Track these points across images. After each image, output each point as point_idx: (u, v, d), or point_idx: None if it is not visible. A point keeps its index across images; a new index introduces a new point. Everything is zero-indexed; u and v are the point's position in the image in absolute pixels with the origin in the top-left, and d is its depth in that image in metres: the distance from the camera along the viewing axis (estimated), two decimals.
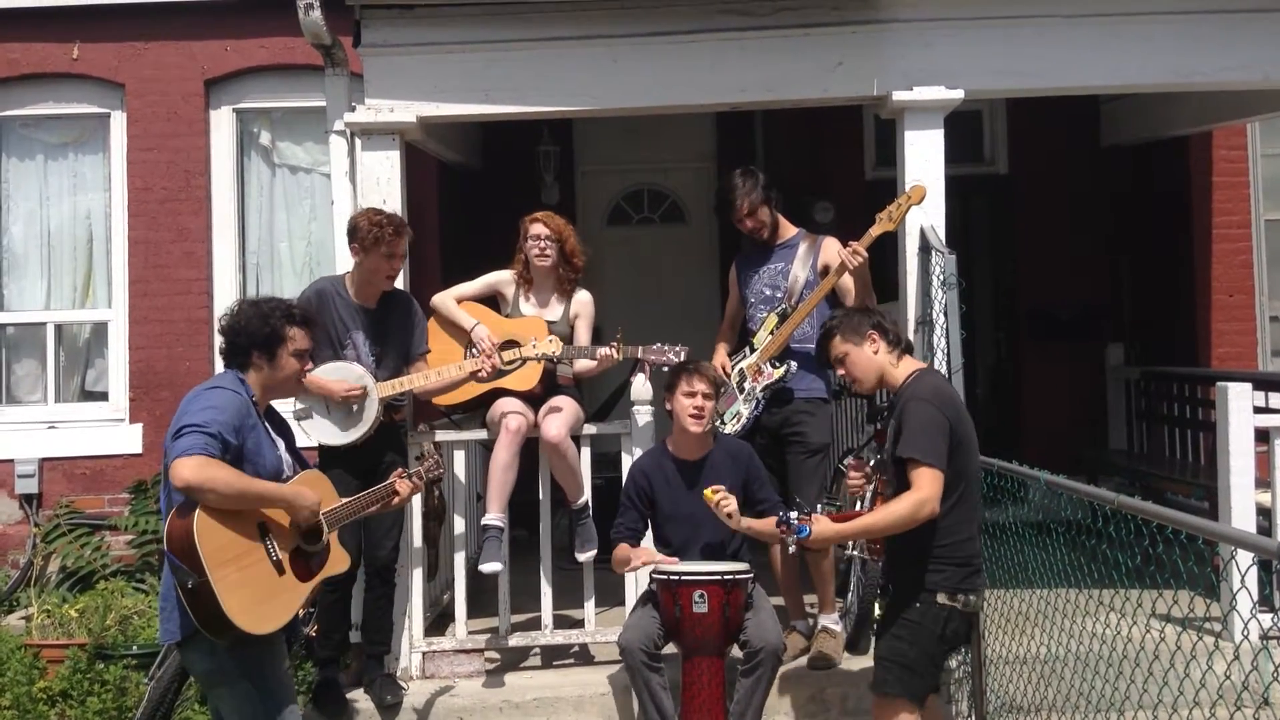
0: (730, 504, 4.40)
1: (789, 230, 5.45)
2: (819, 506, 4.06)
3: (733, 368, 5.33)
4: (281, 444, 3.71)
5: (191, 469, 3.26)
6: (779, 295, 5.30)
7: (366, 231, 4.88)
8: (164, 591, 3.53)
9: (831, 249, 5.25)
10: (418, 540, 5.42)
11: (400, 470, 4.25)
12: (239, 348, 3.62)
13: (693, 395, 4.65)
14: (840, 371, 4.13)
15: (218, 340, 3.72)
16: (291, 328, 3.65)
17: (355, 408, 4.87)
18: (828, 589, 5.31)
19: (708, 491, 4.42)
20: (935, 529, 3.77)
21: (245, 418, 3.49)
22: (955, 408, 3.89)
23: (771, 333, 5.23)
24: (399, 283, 5.37)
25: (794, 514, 3.87)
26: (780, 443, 5.24)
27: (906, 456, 3.74)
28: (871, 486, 4.30)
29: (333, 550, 3.72)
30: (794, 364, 5.18)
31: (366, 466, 4.90)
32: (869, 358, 3.99)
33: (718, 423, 5.22)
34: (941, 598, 3.80)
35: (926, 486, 3.69)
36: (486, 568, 5.16)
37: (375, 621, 5.14)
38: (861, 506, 4.37)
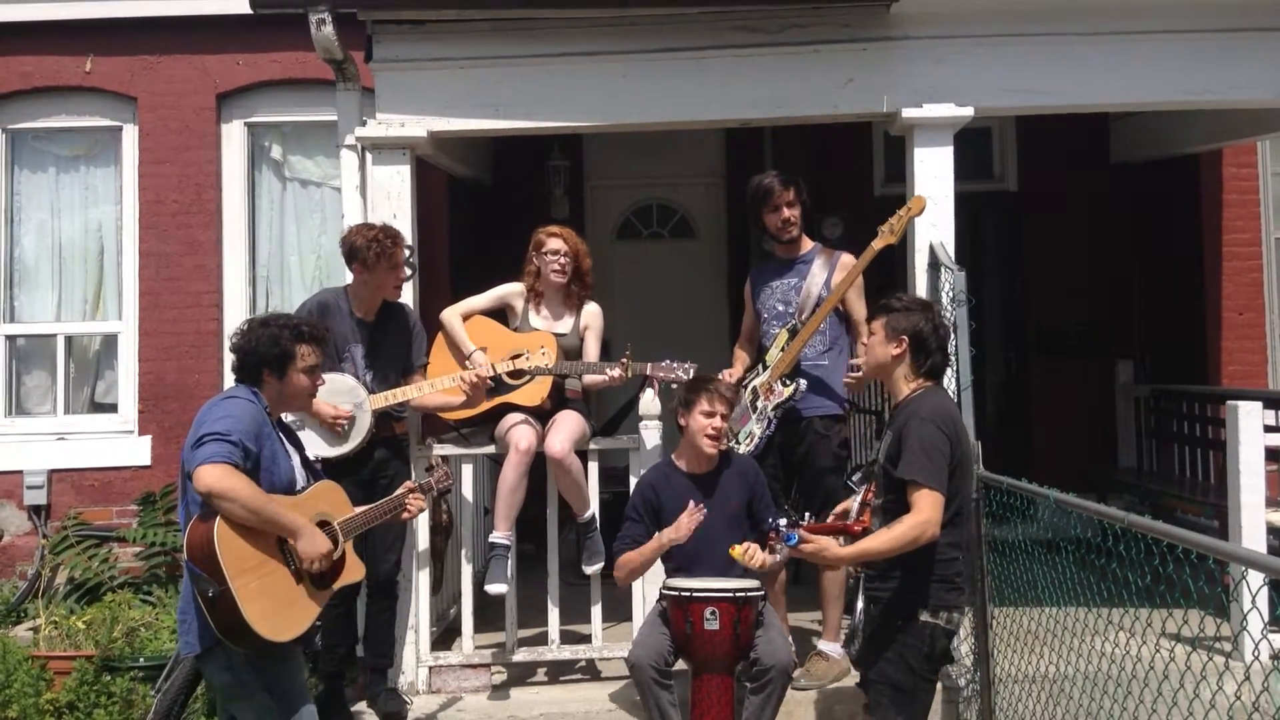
0: (756, 555, 4.34)
1: (805, 244, 5.45)
2: (807, 516, 4.06)
3: (746, 385, 5.32)
4: (295, 455, 3.74)
5: (215, 477, 3.30)
6: (790, 310, 5.30)
7: (367, 249, 4.88)
8: (182, 605, 3.56)
9: (847, 267, 5.26)
10: (425, 555, 5.42)
11: (410, 483, 4.29)
12: (250, 366, 3.67)
13: (712, 416, 4.63)
14: (863, 340, 4.15)
15: (229, 359, 3.76)
16: (301, 345, 3.71)
17: (344, 424, 4.88)
18: (833, 612, 5.29)
19: (733, 550, 4.33)
20: (926, 550, 3.74)
21: (262, 426, 3.55)
22: (956, 426, 3.87)
23: (782, 349, 5.22)
24: (407, 293, 5.39)
25: (783, 521, 3.87)
26: (791, 466, 5.25)
27: (908, 479, 3.71)
28: (859, 497, 4.21)
29: (348, 559, 3.76)
30: (803, 382, 5.16)
31: (369, 478, 4.91)
32: (885, 354, 3.95)
33: (732, 442, 5.21)
34: (924, 616, 3.79)
35: (928, 509, 3.66)
36: (492, 589, 5.16)
37: (378, 634, 5.14)
38: (849, 518, 4.29)
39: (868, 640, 3.95)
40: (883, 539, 3.72)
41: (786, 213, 5.30)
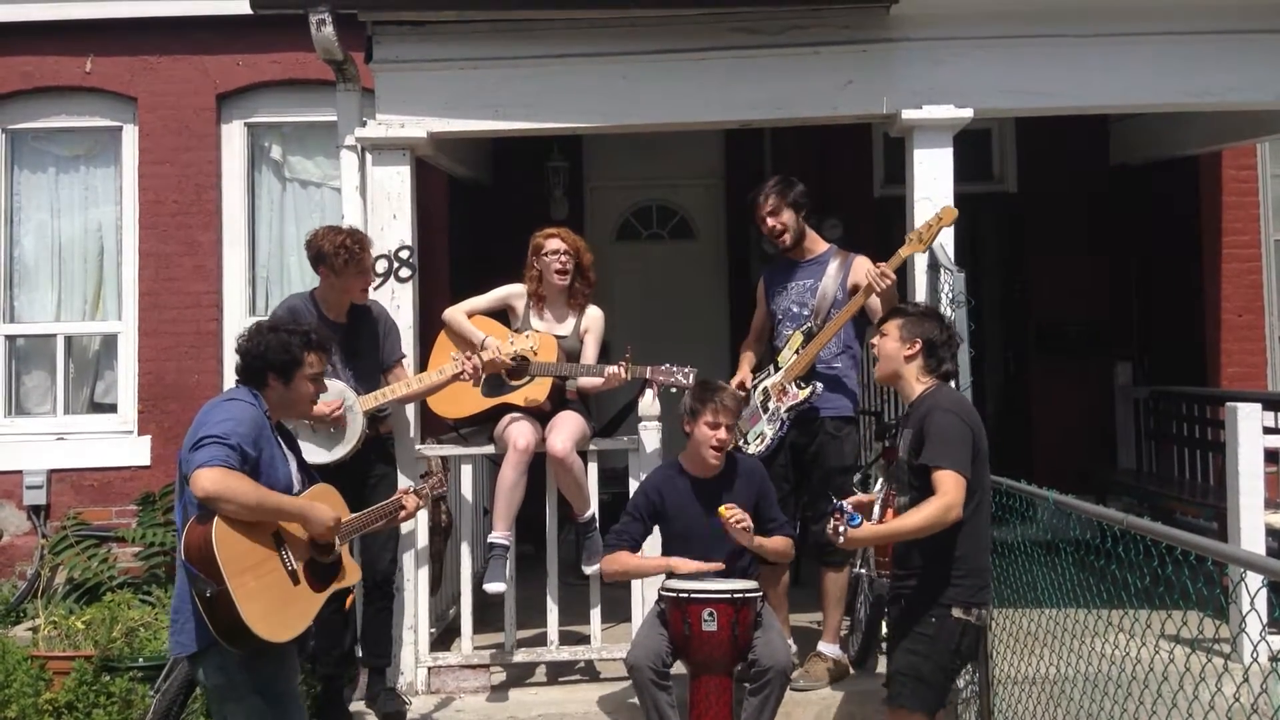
0: (746, 521, 4.44)
1: (819, 246, 5.43)
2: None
3: (756, 386, 5.31)
4: (292, 459, 3.74)
5: (212, 480, 3.30)
6: (806, 313, 5.28)
7: (334, 255, 4.87)
8: (176, 604, 3.55)
9: (862, 269, 5.18)
10: (425, 556, 5.42)
11: (406, 488, 4.30)
12: (256, 370, 3.66)
13: (717, 428, 4.61)
14: (872, 340, 4.21)
15: (234, 361, 3.76)
16: (309, 353, 3.71)
17: (334, 428, 4.87)
18: (834, 615, 5.29)
19: (722, 509, 4.45)
20: (951, 541, 3.81)
21: (261, 430, 3.54)
22: (975, 419, 3.95)
23: (797, 351, 5.20)
24: (407, 294, 5.39)
25: (847, 503, 3.91)
26: (802, 465, 5.24)
27: (932, 464, 3.78)
28: (881, 496, 4.29)
29: (345, 562, 3.77)
30: (819, 385, 5.14)
31: (356, 480, 4.89)
32: (898, 357, 4.05)
33: (741, 443, 5.20)
34: (957, 612, 3.83)
35: (952, 491, 3.74)
36: (491, 588, 5.16)
37: (376, 634, 5.14)
38: (869, 520, 4.34)
39: (894, 631, 4.04)
40: (912, 518, 3.79)
41: (771, 221, 5.30)
